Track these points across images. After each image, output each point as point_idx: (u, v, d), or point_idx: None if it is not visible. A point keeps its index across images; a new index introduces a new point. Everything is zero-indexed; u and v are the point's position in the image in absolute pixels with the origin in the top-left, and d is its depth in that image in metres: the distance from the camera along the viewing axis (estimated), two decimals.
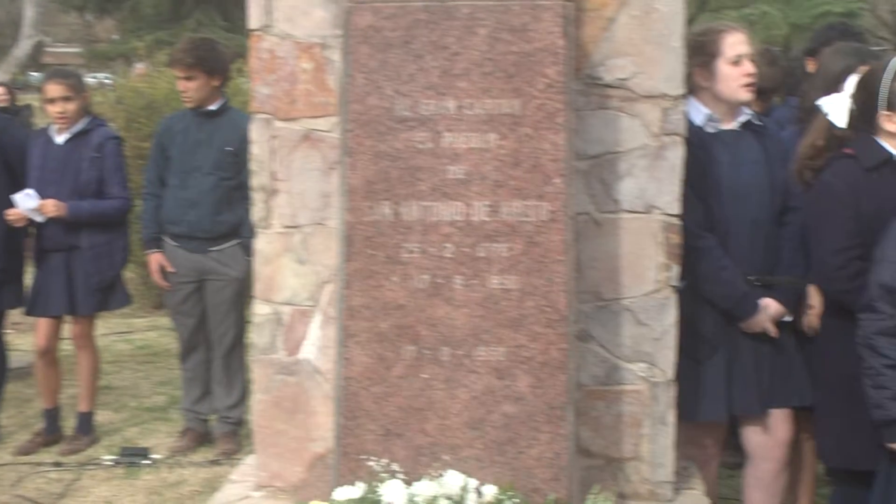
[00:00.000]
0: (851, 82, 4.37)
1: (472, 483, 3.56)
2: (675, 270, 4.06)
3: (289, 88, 4.08)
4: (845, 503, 4.37)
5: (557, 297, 3.60)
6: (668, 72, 3.98)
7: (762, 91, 5.61)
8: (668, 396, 4.09)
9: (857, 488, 4.22)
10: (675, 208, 4.03)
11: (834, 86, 4.56)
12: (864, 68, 4.40)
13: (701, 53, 4.48)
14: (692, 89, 4.51)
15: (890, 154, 4.17)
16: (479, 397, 3.63)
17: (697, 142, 4.41)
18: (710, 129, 4.53)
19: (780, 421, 4.61)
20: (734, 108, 4.57)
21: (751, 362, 4.52)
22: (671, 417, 4.11)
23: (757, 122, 4.63)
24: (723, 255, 4.43)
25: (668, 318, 4.07)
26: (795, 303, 4.58)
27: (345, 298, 3.68)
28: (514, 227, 3.60)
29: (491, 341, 3.63)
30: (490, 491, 3.55)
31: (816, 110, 4.52)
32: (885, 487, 3.94)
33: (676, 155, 4.02)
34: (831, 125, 4.35)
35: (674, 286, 4.06)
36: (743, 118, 4.58)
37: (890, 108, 4.16)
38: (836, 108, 4.34)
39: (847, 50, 4.92)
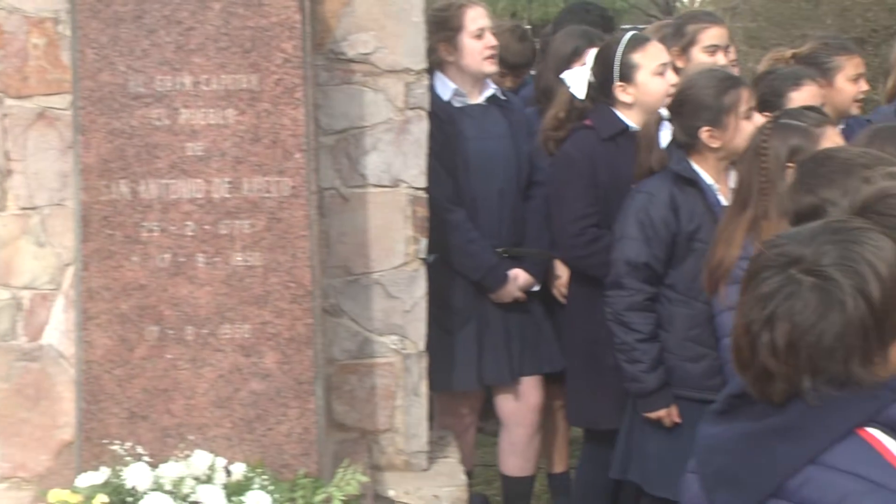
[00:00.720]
0: (591, 56, 4.52)
1: (221, 462, 3.53)
2: (424, 243, 4.11)
3: (20, 65, 3.93)
4: (591, 461, 4.54)
5: (302, 272, 3.59)
6: (410, 46, 4.02)
7: (514, 67, 5.75)
8: (420, 368, 4.15)
9: (602, 447, 4.38)
10: (422, 182, 4.08)
11: (564, 67, 4.71)
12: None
13: (444, 28, 4.55)
14: (438, 64, 4.57)
15: (626, 124, 4.34)
16: (226, 376, 3.60)
17: (445, 116, 4.48)
18: (456, 104, 4.61)
19: (530, 388, 4.75)
20: (480, 81, 4.66)
21: (501, 332, 4.63)
22: (424, 388, 4.17)
23: (502, 97, 4.73)
24: (471, 228, 4.52)
25: (418, 291, 4.12)
26: (544, 273, 4.72)
27: (83, 280, 3.58)
28: (256, 204, 3.57)
29: (236, 319, 3.59)
30: (239, 469, 3.53)
31: (550, 89, 4.68)
32: (625, 445, 4.11)
33: (421, 129, 4.07)
34: (573, 98, 4.49)
35: (423, 259, 4.12)
36: (488, 92, 4.68)
37: (623, 79, 4.33)
38: (577, 81, 4.48)
39: (576, 32, 5.10)
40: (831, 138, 3.44)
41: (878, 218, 2.20)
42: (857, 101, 4.99)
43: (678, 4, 20.36)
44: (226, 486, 3.45)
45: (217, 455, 3.54)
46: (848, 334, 1.88)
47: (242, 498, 3.41)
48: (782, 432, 1.91)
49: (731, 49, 5.19)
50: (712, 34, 4.91)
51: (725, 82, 4.01)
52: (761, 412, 1.95)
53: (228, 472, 3.52)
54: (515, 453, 4.85)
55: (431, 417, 4.71)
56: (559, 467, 5.13)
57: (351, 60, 4.00)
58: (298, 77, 3.57)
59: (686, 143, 3.98)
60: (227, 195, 3.57)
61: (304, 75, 3.59)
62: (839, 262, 1.90)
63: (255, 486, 3.46)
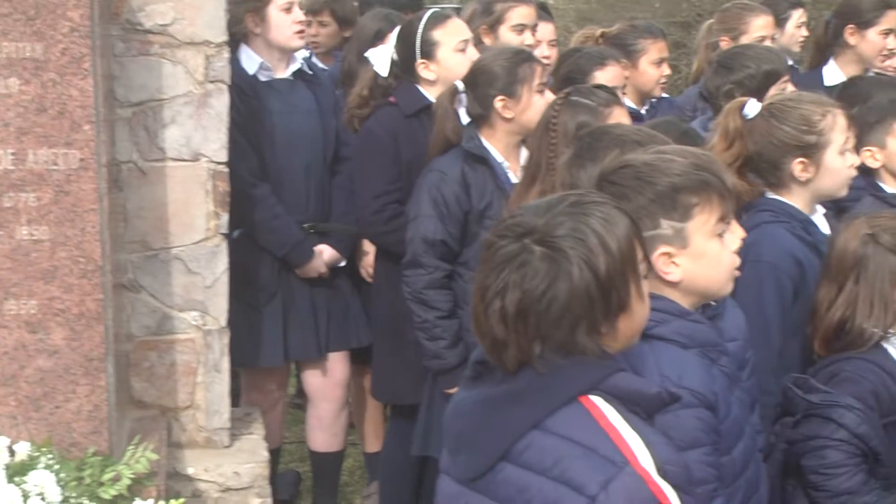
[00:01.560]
0: (394, 34, 4.53)
1: (4, 441, 3.43)
2: (225, 219, 4.06)
3: None
4: (397, 436, 4.57)
5: (91, 247, 3.50)
6: (209, 18, 3.96)
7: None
8: (222, 344, 4.11)
9: (407, 422, 4.42)
10: (223, 156, 4.03)
11: (366, 48, 4.71)
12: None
13: (251, 0, 4.50)
14: (244, 36, 4.52)
15: (429, 101, 4.36)
16: (11, 353, 3.49)
17: (249, 90, 4.44)
18: (262, 78, 4.56)
19: (337, 363, 4.76)
20: (287, 55, 4.62)
21: (307, 308, 4.63)
22: (225, 365, 4.13)
23: (309, 72, 4.71)
24: (276, 203, 4.49)
25: (220, 266, 4.07)
26: (350, 248, 4.72)
27: None
28: (42, 176, 3.46)
29: (22, 294, 3.48)
30: (23, 448, 3.43)
31: (353, 71, 4.69)
32: (425, 422, 4.15)
33: (222, 103, 4.01)
34: (376, 75, 4.49)
35: (224, 234, 4.07)
36: (295, 66, 4.65)
37: (425, 56, 4.35)
38: (380, 59, 4.49)
39: (380, 15, 5.12)
40: (619, 118, 3.51)
41: (611, 188, 2.29)
42: (660, 83, 5.13)
43: None
44: (7, 467, 3.35)
45: (0, 434, 3.44)
46: (574, 304, 1.94)
47: (25, 478, 3.32)
48: (512, 398, 1.98)
49: (546, 28, 5.27)
50: (520, 13, 4.97)
51: (520, 55, 4.09)
52: (500, 378, 2.02)
53: (12, 452, 3.42)
54: (322, 428, 4.86)
55: (238, 394, 4.69)
56: (373, 446, 5.15)
57: (148, 31, 3.92)
58: (86, 47, 3.47)
59: (479, 116, 4.02)
60: (11, 167, 3.45)
61: (93, 45, 3.49)
62: (570, 233, 1.97)
63: (41, 465, 3.38)
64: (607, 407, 1.98)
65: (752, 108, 3.35)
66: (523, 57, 4.06)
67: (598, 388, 1.98)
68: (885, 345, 2.96)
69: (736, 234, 2.47)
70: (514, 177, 3.97)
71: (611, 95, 3.63)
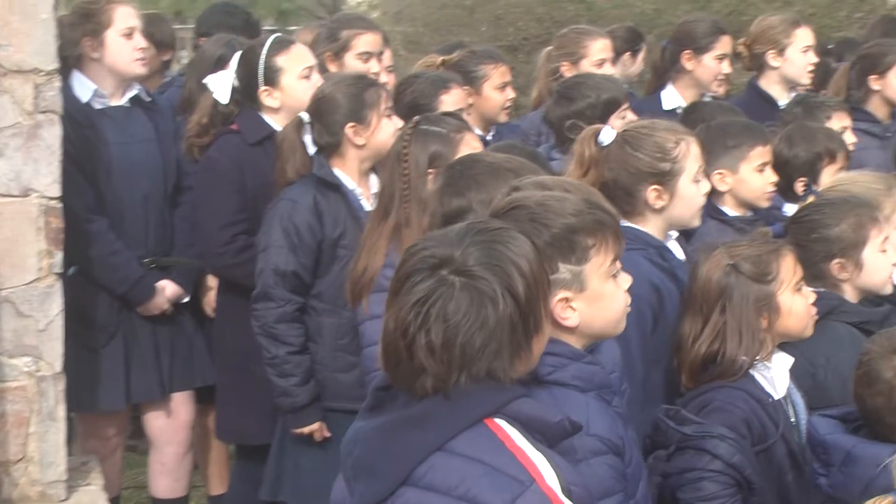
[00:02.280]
0: (235, 59, 4.38)
1: None
2: (60, 257, 3.81)
3: None
4: (242, 479, 4.39)
5: None
6: (38, 44, 3.72)
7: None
8: (57, 391, 3.85)
9: (253, 463, 4.24)
10: (56, 191, 3.78)
11: (207, 74, 4.54)
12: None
13: (90, 21, 4.29)
14: (78, 61, 4.29)
15: (273, 129, 4.22)
16: None
17: (84, 119, 4.23)
18: (97, 105, 4.34)
19: (181, 404, 4.56)
20: (124, 83, 4.41)
21: (150, 347, 4.42)
22: (61, 412, 3.86)
23: (147, 98, 4.50)
24: (115, 239, 4.27)
25: (54, 308, 3.82)
26: (193, 283, 4.53)
27: None
28: None
29: None
30: None
31: (194, 97, 4.52)
32: (276, 465, 3.99)
33: (54, 134, 3.77)
34: (216, 102, 4.33)
35: (59, 273, 3.82)
36: (131, 93, 4.44)
37: (268, 83, 4.21)
38: (220, 85, 4.33)
39: (222, 40, 4.95)
40: (470, 143, 3.47)
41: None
42: (504, 108, 5.10)
43: (345, 7, 20.48)
44: None
45: None
46: (499, 331, 1.95)
47: None
48: (415, 422, 1.97)
49: (386, 54, 5.19)
50: (366, 41, 4.87)
51: (363, 80, 4.02)
52: (403, 404, 2.00)
53: None
54: (166, 473, 4.64)
55: (73, 440, 4.43)
56: (218, 489, 4.94)
57: None
58: None
59: (329, 145, 3.92)
60: None
61: None
62: (486, 261, 1.97)
63: None
64: (512, 429, 1.98)
65: (607, 135, 3.33)
66: (367, 82, 4.01)
67: (502, 413, 1.98)
68: (753, 372, 2.96)
69: (626, 275, 2.44)
70: (367, 204, 3.88)
71: (460, 122, 3.58)
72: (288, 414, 3.89)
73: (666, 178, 3.27)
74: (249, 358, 4.06)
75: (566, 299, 2.38)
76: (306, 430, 3.85)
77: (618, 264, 2.43)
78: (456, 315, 1.93)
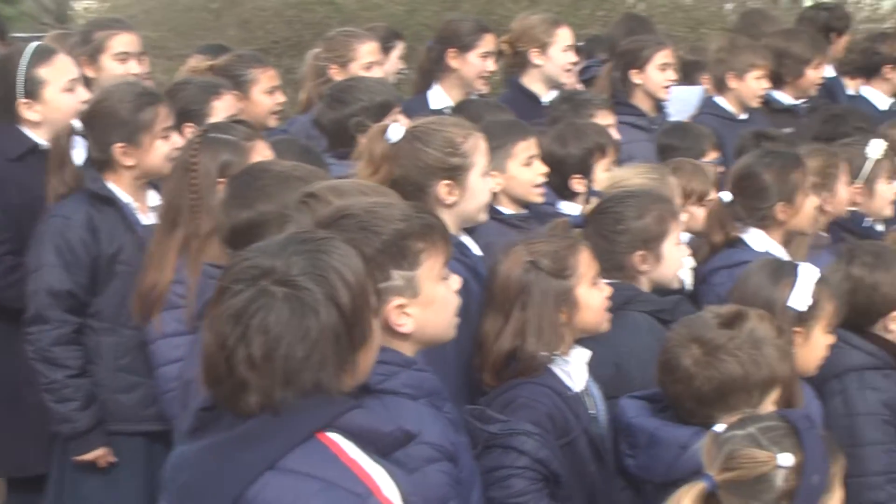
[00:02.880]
0: None
1: None
2: None
3: None
4: None
5: None
6: None
7: None
8: None
9: (30, 495, 3.99)
10: None
11: None
12: None
13: None
14: None
15: (35, 142, 3.98)
16: None
17: None
18: None
19: None
20: None
21: None
22: None
23: None
24: None
25: None
26: None
27: None
28: None
29: None
30: None
31: None
32: (56, 494, 3.77)
33: None
34: None
35: None
36: None
37: (29, 95, 3.98)
38: None
39: None
40: (261, 151, 3.37)
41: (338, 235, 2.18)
42: (273, 112, 5.00)
43: (70, 13, 19.64)
44: None
45: None
46: (322, 342, 1.89)
47: None
48: (243, 441, 1.89)
49: (146, 58, 4.99)
50: (123, 41, 4.68)
51: (143, 98, 3.80)
52: (228, 424, 1.92)
53: None
54: None
55: None
56: None
57: None
58: None
59: (100, 160, 3.73)
60: None
61: None
62: (309, 271, 1.91)
63: None
64: (346, 442, 1.92)
65: (396, 131, 3.31)
66: (146, 100, 3.78)
67: (334, 426, 1.92)
68: (552, 367, 2.99)
69: (456, 276, 2.43)
70: (144, 218, 3.72)
71: (250, 129, 3.48)
72: (69, 441, 3.68)
73: (456, 173, 3.28)
74: (21, 384, 3.82)
75: (401, 306, 2.35)
76: (89, 456, 3.65)
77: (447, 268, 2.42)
78: (277, 326, 1.87)
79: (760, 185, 3.85)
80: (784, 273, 3.18)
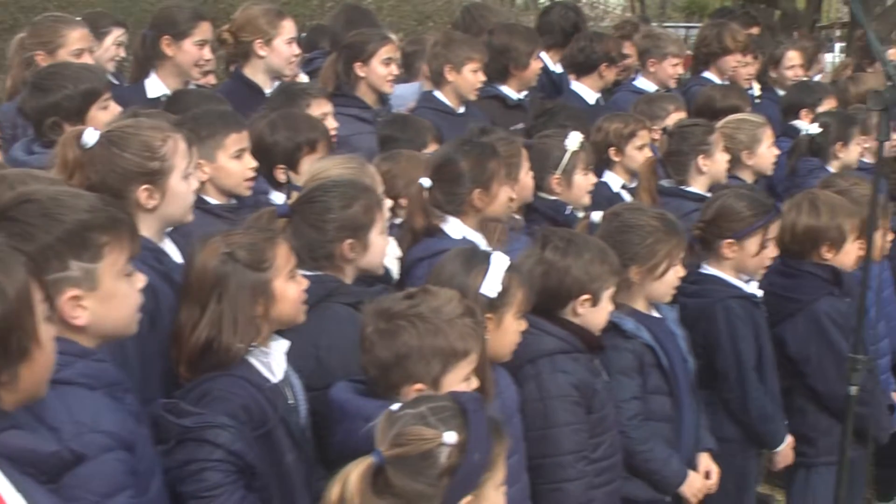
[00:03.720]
0: None
1: None
2: None
3: None
4: None
5: None
6: None
7: None
8: None
9: None
10: None
11: None
12: None
13: None
14: None
15: None
16: None
17: None
18: None
19: None
20: None
21: None
22: None
23: None
24: None
25: None
26: None
27: None
28: None
29: None
30: None
31: None
32: None
33: None
34: None
35: None
36: None
37: None
38: None
39: None
40: None
41: (12, 225, 2.14)
42: None
43: None
44: None
45: None
46: None
47: None
48: None
49: None
50: None
51: None
52: None
53: None
54: None
55: None
56: None
57: None
58: None
59: None
60: None
61: None
62: None
63: None
64: None
65: (90, 136, 3.21)
66: None
67: None
68: (250, 358, 2.98)
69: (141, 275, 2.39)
70: None
71: None
72: None
73: (156, 178, 3.22)
74: None
75: (76, 297, 2.30)
76: None
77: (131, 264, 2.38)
78: None
79: (457, 171, 3.94)
80: (476, 261, 3.28)
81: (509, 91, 6.13)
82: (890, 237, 4.88)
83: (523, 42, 6.15)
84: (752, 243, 4.31)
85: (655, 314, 4.04)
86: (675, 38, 7.53)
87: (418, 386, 2.82)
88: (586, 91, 6.70)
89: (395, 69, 5.54)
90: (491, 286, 3.23)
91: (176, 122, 3.69)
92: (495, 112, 6.01)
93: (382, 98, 5.56)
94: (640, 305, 3.99)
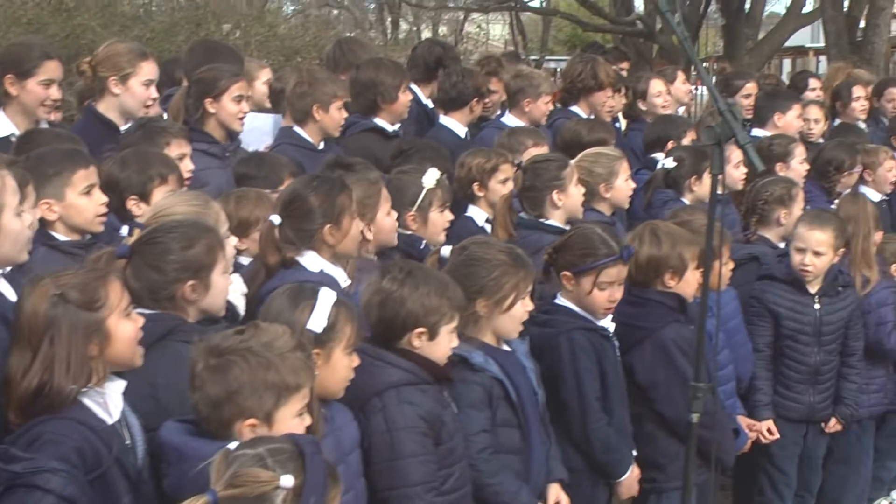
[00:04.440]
0: None
1: None
2: None
3: None
4: None
5: None
6: None
7: None
8: None
9: None
10: None
11: None
12: None
13: None
14: None
15: None
16: None
17: None
18: None
19: None
20: None
21: None
22: None
23: None
24: None
25: None
26: None
27: None
28: None
29: None
30: None
31: None
32: None
33: None
34: None
35: None
36: None
37: None
38: None
39: None
40: None
41: None
42: None
43: None
44: None
45: None
46: None
47: None
48: None
49: None
50: None
51: None
52: None
53: None
54: None
55: None
56: None
57: None
58: None
59: None
60: None
61: None
62: None
63: None
64: None
65: None
66: None
67: None
68: (84, 399, 2.94)
69: None
70: None
71: None
72: None
73: None
74: None
75: None
76: None
77: None
78: None
79: (307, 207, 3.94)
80: (303, 297, 3.30)
81: (383, 123, 6.17)
82: (730, 266, 5.04)
83: (390, 76, 6.19)
84: (586, 282, 4.37)
85: (505, 347, 4.08)
86: (545, 77, 7.66)
87: (251, 421, 2.83)
88: (456, 125, 6.78)
89: (246, 106, 5.52)
90: (318, 321, 3.25)
91: (8, 161, 3.65)
92: (374, 144, 6.07)
93: (231, 134, 5.53)
94: (489, 338, 4.02)
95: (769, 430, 5.47)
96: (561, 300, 4.47)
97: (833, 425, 5.70)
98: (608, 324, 4.46)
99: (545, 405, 4.18)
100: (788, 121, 7.66)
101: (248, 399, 2.83)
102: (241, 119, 5.49)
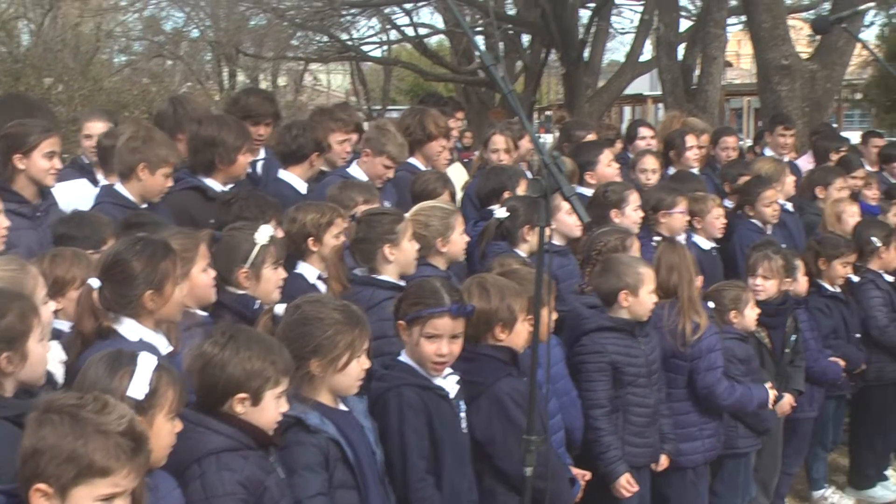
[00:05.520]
0: None
1: None
2: None
3: None
4: None
5: None
6: None
7: None
8: None
9: None
10: None
11: None
12: None
13: None
14: None
15: None
16: None
17: None
18: None
19: None
20: None
21: None
22: None
23: None
24: None
25: None
26: None
27: None
28: None
29: None
30: None
31: None
32: None
33: None
34: None
35: None
36: None
37: None
38: None
39: None
40: None
41: None
42: None
43: None
44: None
45: None
46: None
47: None
48: None
49: None
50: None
51: None
52: None
53: None
54: None
55: None
56: None
57: None
58: None
59: None
60: None
61: None
62: None
63: None
64: None
65: None
66: None
67: None
68: None
69: None
70: None
71: None
72: None
73: None
74: None
75: None
76: None
77: None
78: None
79: (129, 272, 3.82)
80: (122, 363, 3.19)
81: (213, 183, 5.98)
82: (554, 316, 5.03)
83: (232, 136, 6.00)
84: (415, 332, 4.31)
85: (342, 406, 3.99)
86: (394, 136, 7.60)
87: (42, 487, 2.68)
88: (296, 180, 6.64)
89: (58, 163, 5.35)
90: (138, 388, 3.13)
91: None
92: (193, 204, 5.86)
93: (43, 192, 5.35)
94: (326, 398, 3.92)
95: (629, 482, 5.43)
96: (402, 356, 4.41)
97: (664, 463, 5.73)
98: (450, 383, 4.40)
99: (384, 464, 4.10)
100: (601, 171, 7.68)
101: (48, 464, 2.68)
102: (53, 175, 5.31)
